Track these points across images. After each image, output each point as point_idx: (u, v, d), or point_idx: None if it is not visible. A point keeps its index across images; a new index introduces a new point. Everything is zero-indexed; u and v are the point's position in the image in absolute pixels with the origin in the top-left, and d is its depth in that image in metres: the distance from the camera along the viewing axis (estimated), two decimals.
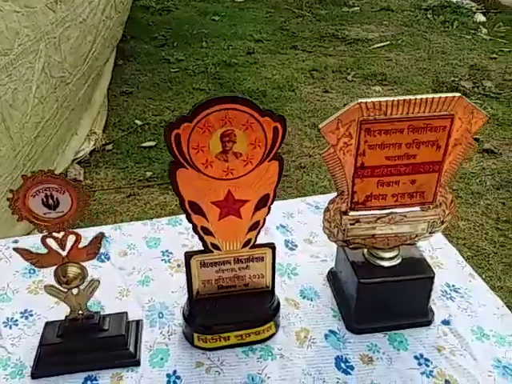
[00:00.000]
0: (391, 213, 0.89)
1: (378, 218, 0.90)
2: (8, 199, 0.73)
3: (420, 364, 0.86)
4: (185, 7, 5.18)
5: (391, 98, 0.79)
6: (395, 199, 0.88)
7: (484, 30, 4.55)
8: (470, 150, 0.87)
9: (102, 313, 0.90)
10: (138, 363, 0.86)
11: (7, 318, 0.95)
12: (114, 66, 3.58)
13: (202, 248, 0.87)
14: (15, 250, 0.79)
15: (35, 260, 0.79)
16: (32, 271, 1.06)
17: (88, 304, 0.87)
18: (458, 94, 0.80)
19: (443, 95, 0.80)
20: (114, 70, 3.59)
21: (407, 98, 0.79)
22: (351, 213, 0.89)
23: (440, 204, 0.90)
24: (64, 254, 0.79)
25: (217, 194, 0.80)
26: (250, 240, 0.87)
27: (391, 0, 5.32)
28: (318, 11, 5.07)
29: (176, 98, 3.27)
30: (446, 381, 0.84)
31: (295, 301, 0.99)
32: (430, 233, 0.93)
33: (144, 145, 2.87)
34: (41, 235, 0.78)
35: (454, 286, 1.02)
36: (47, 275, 1.02)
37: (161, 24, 4.69)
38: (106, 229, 1.19)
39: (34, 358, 0.86)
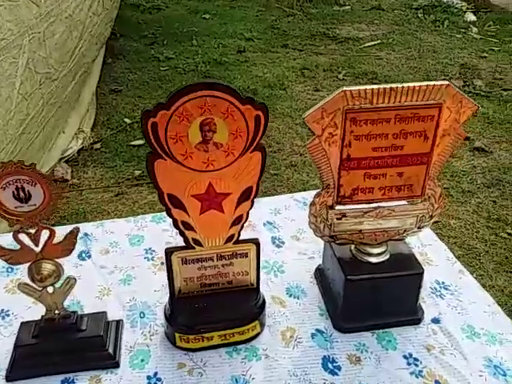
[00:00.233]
0: (378, 207, 0.87)
1: (365, 213, 0.87)
2: None
3: (409, 364, 0.83)
4: (175, 5, 5.15)
5: (377, 86, 0.76)
6: (382, 193, 0.86)
7: (474, 29, 4.55)
8: (458, 141, 0.84)
9: (81, 313, 0.86)
10: (117, 365, 0.83)
11: None
12: (103, 64, 3.54)
13: (184, 244, 0.83)
14: None
15: (8, 256, 0.75)
16: (10, 270, 1.02)
17: (67, 303, 0.84)
18: (445, 82, 0.77)
19: (431, 83, 0.77)
20: (103, 67, 3.55)
21: (393, 85, 0.76)
22: (337, 207, 0.86)
23: (429, 197, 0.88)
24: (38, 250, 0.76)
25: (197, 187, 0.77)
26: (233, 235, 0.84)
27: None
28: (309, 10, 5.05)
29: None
30: (436, 381, 0.81)
31: (281, 299, 0.96)
32: (418, 228, 0.91)
33: (133, 143, 2.84)
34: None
35: (443, 283, 0.99)
36: (25, 274, 0.99)
37: (151, 22, 4.65)
38: (88, 226, 1.16)
39: (9, 360, 0.82)
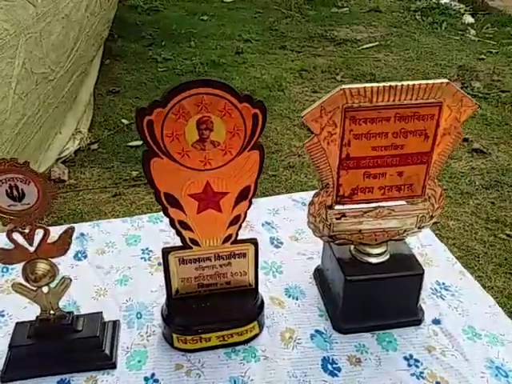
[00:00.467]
0: (378, 207, 0.86)
1: (365, 213, 0.86)
2: None
3: (410, 365, 0.82)
4: (173, 7, 5.14)
5: (376, 84, 0.75)
6: (382, 192, 0.85)
7: (472, 32, 4.55)
8: (459, 140, 0.83)
9: (77, 313, 0.85)
10: (114, 366, 0.82)
11: None
12: (100, 65, 3.53)
13: (181, 244, 0.82)
14: None
15: (1, 256, 0.74)
16: (5, 270, 1.01)
17: (63, 304, 0.83)
18: (445, 80, 0.76)
19: (430, 81, 0.76)
20: (101, 68, 3.54)
21: (393, 84, 0.75)
22: (337, 207, 0.85)
23: (429, 197, 0.87)
24: (32, 249, 0.74)
25: (194, 186, 0.76)
26: (230, 235, 0.83)
27: (380, 1, 5.31)
28: (307, 12, 5.05)
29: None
30: (437, 382, 0.80)
31: (280, 300, 0.95)
32: (418, 228, 0.90)
33: (131, 144, 2.82)
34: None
35: (444, 283, 0.98)
36: (21, 274, 0.98)
37: (148, 23, 4.64)
38: (84, 226, 1.15)
39: (4, 361, 0.81)
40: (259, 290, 0.89)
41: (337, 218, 0.86)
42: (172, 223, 0.80)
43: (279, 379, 0.80)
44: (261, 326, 0.88)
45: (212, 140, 0.73)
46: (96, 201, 2.38)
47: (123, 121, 3.04)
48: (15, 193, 0.69)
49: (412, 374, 0.81)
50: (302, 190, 2.45)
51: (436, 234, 1.14)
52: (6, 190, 0.69)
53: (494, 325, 0.90)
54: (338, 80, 3.63)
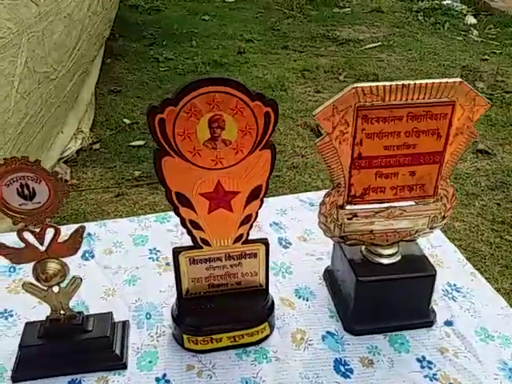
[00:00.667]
0: (390, 207, 0.85)
1: (377, 213, 0.85)
2: None
3: (423, 367, 0.82)
4: (174, 7, 5.13)
5: (389, 83, 0.74)
6: (394, 192, 0.84)
7: (475, 32, 4.55)
8: (471, 139, 0.83)
9: (86, 313, 0.84)
10: (124, 366, 0.81)
11: None
12: (102, 65, 3.52)
13: (191, 244, 0.81)
14: None
15: (11, 255, 0.73)
16: (12, 269, 1.00)
17: (72, 304, 0.82)
18: (458, 79, 0.75)
19: (443, 80, 0.75)
20: (102, 68, 3.52)
21: (406, 82, 0.74)
22: (348, 207, 0.84)
23: (441, 198, 0.86)
24: (43, 248, 0.73)
25: (206, 185, 0.75)
26: (241, 235, 0.82)
27: (382, 2, 5.31)
28: (309, 12, 5.04)
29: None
30: None
31: (290, 301, 0.94)
32: (430, 228, 0.89)
33: (133, 144, 2.81)
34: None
35: (455, 285, 0.98)
36: (28, 274, 0.96)
37: (150, 23, 4.63)
38: (90, 226, 1.14)
39: (14, 360, 0.80)
40: (269, 291, 0.88)
41: (348, 219, 0.85)
42: (183, 223, 0.79)
43: (291, 380, 0.79)
44: (271, 327, 0.87)
45: (223, 139, 0.72)
46: (99, 201, 2.37)
47: (125, 120, 3.03)
48: (26, 192, 0.68)
49: (425, 376, 0.80)
50: (306, 191, 2.44)
51: None
52: (17, 189, 0.68)
53: (506, 326, 0.89)
54: (340, 80, 3.63)
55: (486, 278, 1.85)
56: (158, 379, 0.79)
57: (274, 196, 1.26)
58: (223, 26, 4.65)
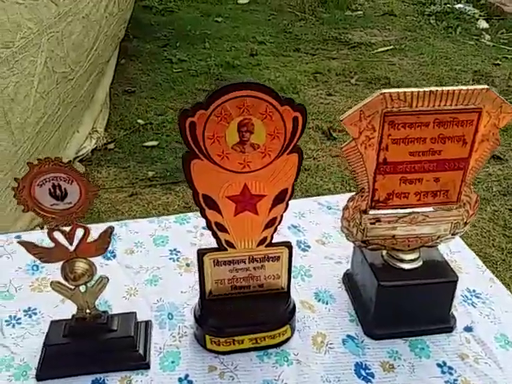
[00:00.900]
0: (413, 212, 0.85)
1: (400, 218, 0.86)
2: (13, 188, 0.68)
3: (443, 372, 0.82)
4: (187, 8, 5.15)
5: (416, 89, 0.75)
6: (418, 198, 0.84)
7: (487, 37, 4.54)
8: (496, 147, 0.83)
9: (110, 313, 0.85)
10: (147, 366, 0.82)
11: (10, 317, 0.90)
12: (116, 65, 3.54)
13: (213, 246, 0.82)
14: (20, 243, 0.74)
15: (41, 254, 0.74)
16: (35, 268, 1.02)
17: (96, 303, 0.83)
18: (485, 86, 0.76)
19: (471, 87, 0.76)
20: (117, 68, 3.55)
21: (433, 89, 0.75)
22: (371, 211, 0.85)
23: (464, 204, 0.87)
24: (72, 248, 0.75)
25: (232, 188, 0.76)
26: (265, 238, 0.82)
27: (394, 5, 5.31)
28: (321, 15, 5.05)
29: (179, 98, 3.23)
30: None
31: (310, 304, 0.95)
32: (452, 234, 0.89)
33: (146, 144, 2.83)
34: (42, 231, 0.74)
35: (474, 291, 0.98)
36: (51, 272, 0.98)
37: (163, 24, 4.66)
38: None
39: (38, 358, 0.81)
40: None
41: (371, 223, 0.86)
42: (208, 225, 0.80)
43: (313, 383, 0.80)
44: (293, 330, 0.88)
45: (252, 142, 0.73)
46: (113, 200, 2.39)
47: (139, 121, 3.05)
48: (58, 192, 0.69)
49: (446, 382, 0.80)
50: (318, 193, 2.45)
51: None
52: (49, 189, 0.69)
53: None
54: (352, 83, 3.63)
55: None
56: (180, 379, 0.80)
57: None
58: (236, 27, 4.66)
